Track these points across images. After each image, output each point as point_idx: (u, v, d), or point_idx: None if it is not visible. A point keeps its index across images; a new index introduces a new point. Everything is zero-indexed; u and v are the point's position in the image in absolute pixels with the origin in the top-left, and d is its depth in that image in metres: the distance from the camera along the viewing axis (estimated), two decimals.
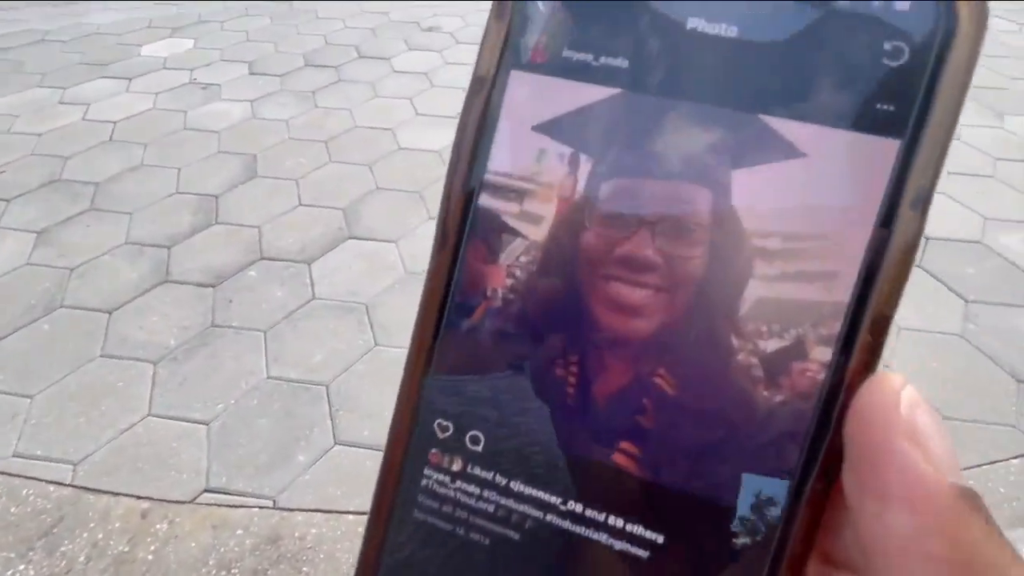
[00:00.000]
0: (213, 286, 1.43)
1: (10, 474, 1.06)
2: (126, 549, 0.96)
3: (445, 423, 0.14)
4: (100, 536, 0.98)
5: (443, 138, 1.94)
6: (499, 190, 0.14)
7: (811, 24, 0.12)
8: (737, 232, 0.12)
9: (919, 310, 1.33)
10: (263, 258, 1.51)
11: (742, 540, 0.12)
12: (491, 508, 0.13)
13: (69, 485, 1.05)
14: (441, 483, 0.14)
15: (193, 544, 0.97)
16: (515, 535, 0.13)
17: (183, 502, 1.03)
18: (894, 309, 0.12)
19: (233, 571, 0.93)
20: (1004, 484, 1.04)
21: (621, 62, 0.13)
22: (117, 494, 1.03)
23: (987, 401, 1.16)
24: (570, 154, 0.13)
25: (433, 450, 0.14)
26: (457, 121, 0.14)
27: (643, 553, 0.13)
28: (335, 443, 1.11)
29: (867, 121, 0.12)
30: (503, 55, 0.14)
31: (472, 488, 0.14)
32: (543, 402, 0.13)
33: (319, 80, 2.31)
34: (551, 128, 0.13)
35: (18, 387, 1.20)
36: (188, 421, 1.15)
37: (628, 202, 0.13)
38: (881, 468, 0.10)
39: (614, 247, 0.13)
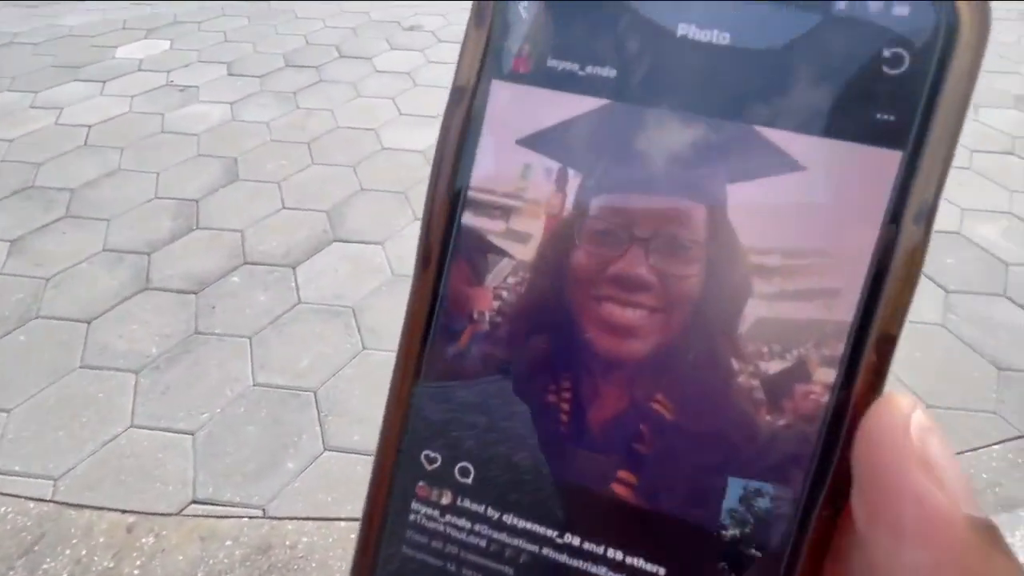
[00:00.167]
0: (195, 292, 1.40)
1: None
2: (111, 565, 0.93)
3: (432, 454, 0.13)
4: (83, 552, 0.95)
5: (427, 138, 1.93)
6: (483, 208, 0.13)
7: (807, 31, 0.11)
8: (734, 249, 0.12)
9: None
10: (246, 263, 1.48)
11: (747, 570, 0.12)
12: (483, 543, 0.13)
13: (50, 501, 1.02)
14: (431, 517, 0.13)
15: (181, 557, 0.95)
16: (510, 571, 0.13)
17: (169, 514, 1.01)
18: (900, 327, 0.11)
19: None
20: (987, 470, 1.07)
21: (609, 71, 0.12)
22: (100, 508, 1.01)
23: (969, 389, 1.19)
24: (557, 169, 0.13)
25: (421, 483, 0.13)
26: (439, 125, 0.13)
27: None
28: (324, 449, 1.10)
29: (867, 132, 0.11)
30: (484, 64, 0.13)
31: (463, 522, 0.13)
32: (534, 433, 0.13)
33: (300, 81, 2.28)
34: (537, 141, 0.13)
35: None
36: (173, 431, 1.13)
37: (619, 219, 0.12)
38: (894, 498, 0.10)
39: (606, 266, 0.12)
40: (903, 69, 0.11)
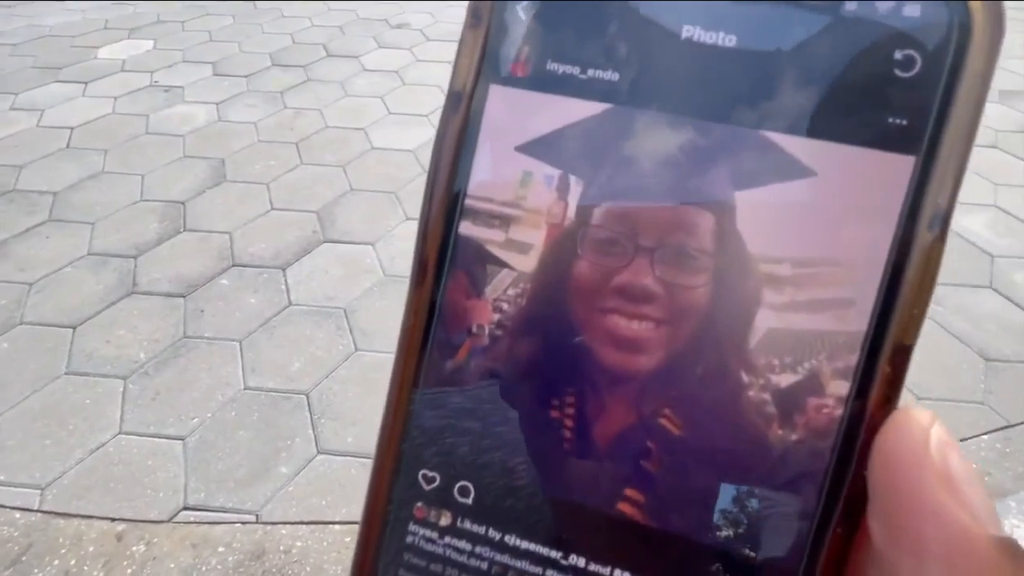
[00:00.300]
0: (183, 296, 1.38)
1: None
2: (101, 574, 0.92)
3: (431, 474, 0.13)
4: (72, 562, 0.93)
5: (417, 137, 1.91)
6: (481, 217, 0.13)
7: (815, 33, 0.11)
8: (743, 258, 0.11)
9: None
10: (235, 265, 1.47)
11: None
12: (484, 565, 0.12)
13: (37, 511, 1.00)
14: (429, 539, 0.13)
15: (172, 565, 0.93)
16: None
17: (160, 521, 0.99)
18: (915, 337, 0.11)
19: None
20: (976, 460, 1.08)
21: (611, 75, 0.12)
22: (89, 517, 0.99)
23: (957, 380, 1.20)
24: (558, 176, 0.12)
25: (419, 504, 0.13)
26: (435, 131, 0.13)
27: None
28: (318, 452, 1.09)
29: (879, 136, 0.11)
30: (481, 68, 0.12)
31: (463, 544, 0.12)
32: (538, 451, 0.12)
33: (287, 80, 2.26)
34: (537, 148, 0.12)
35: None
36: (162, 437, 1.11)
37: (624, 228, 0.12)
38: (915, 518, 0.10)
39: (610, 277, 0.12)
40: (915, 71, 0.11)
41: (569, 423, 0.12)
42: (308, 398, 1.17)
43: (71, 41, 2.54)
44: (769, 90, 0.11)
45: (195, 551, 0.95)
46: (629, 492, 0.12)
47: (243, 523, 0.99)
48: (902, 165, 0.11)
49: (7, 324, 1.32)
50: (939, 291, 1.38)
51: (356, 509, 1.01)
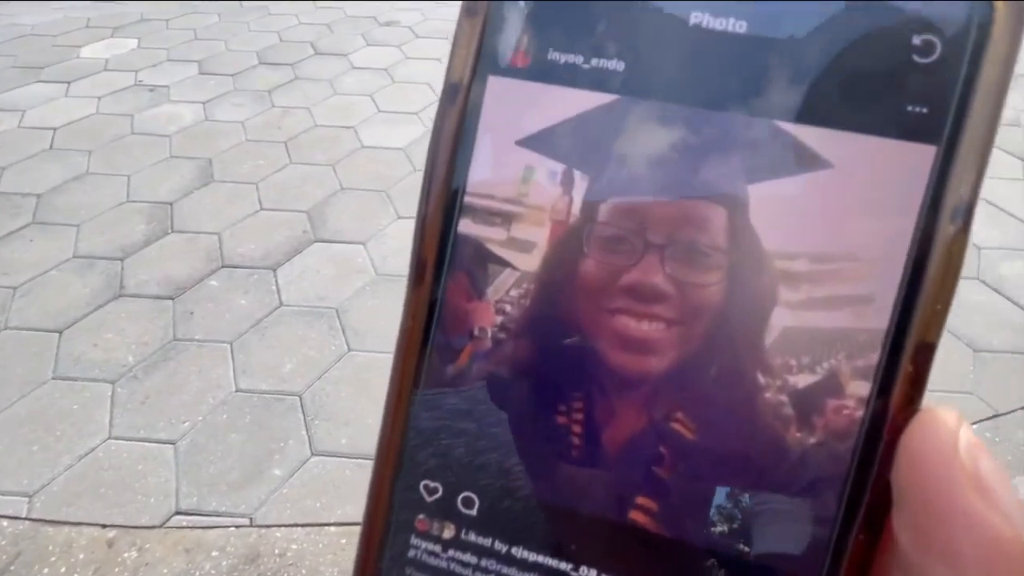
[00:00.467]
0: (172, 298, 1.37)
1: None
2: None
3: (432, 484, 0.12)
4: (63, 570, 0.92)
5: (407, 135, 1.90)
6: (482, 214, 0.12)
7: (829, 17, 0.10)
8: (758, 254, 0.11)
9: None
10: (224, 266, 1.45)
11: None
12: None
13: (25, 519, 0.99)
14: (432, 552, 0.12)
15: (165, 570, 0.92)
16: None
17: (152, 527, 0.98)
18: (938, 335, 0.11)
19: None
20: None
21: (616, 64, 0.11)
22: (79, 524, 0.98)
23: (947, 371, 1.22)
24: (562, 171, 0.12)
25: (421, 516, 0.12)
26: (432, 126, 0.12)
27: None
28: (312, 454, 1.08)
29: (898, 125, 0.10)
30: (479, 58, 0.12)
31: (468, 557, 0.12)
32: (544, 458, 0.12)
33: (274, 79, 2.23)
34: (539, 141, 0.12)
35: None
36: (153, 441, 1.10)
37: (632, 224, 0.11)
38: (946, 523, 0.09)
39: (618, 276, 0.12)
40: (935, 57, 0.10)
41: (577, 429, 0.12)
42: (301, 399, 1.16)
43: (52, 40, 2.50)
44: (782, 78, 0.11)
45: (188, 556, 0.94)
46: (641, 500, 0.11)
47: (237, 527, 0.98)
48: (922, 155, 0.10)
49: None
50: None
51: (351, 510, 1.00)
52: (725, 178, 0.11)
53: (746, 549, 0.11)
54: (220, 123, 1.98)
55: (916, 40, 0.10)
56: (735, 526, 0.11)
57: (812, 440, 0.11)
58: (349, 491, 1.02)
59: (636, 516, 0.11)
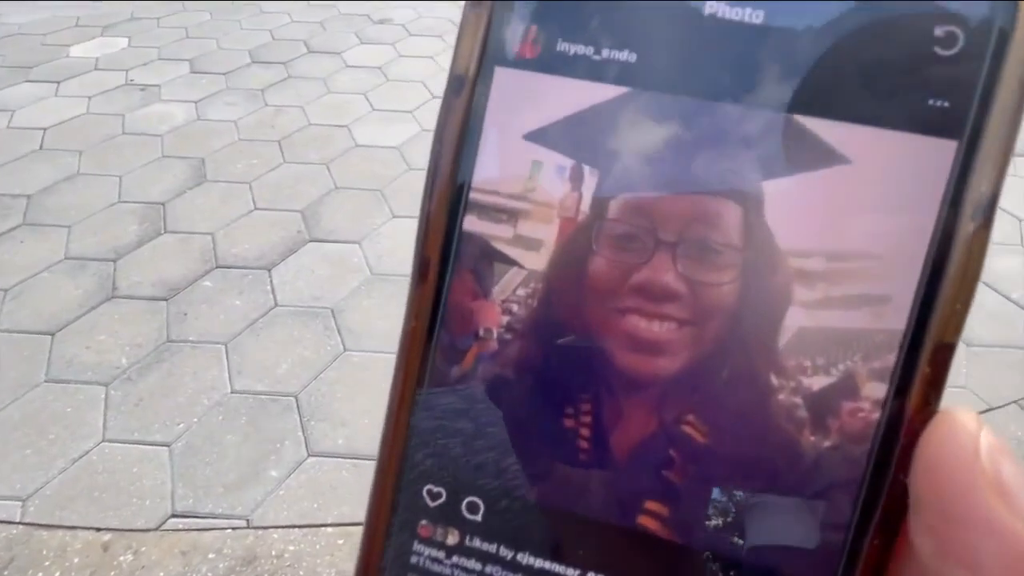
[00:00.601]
0: (165, 299, 1.36)
1: None
2: None
3: (436, 489, 0.12)
4: (57, 574, 0.91)
5: (401, 133, 1.89)
6: (487, 211, 0.12)
7: (848, 8, 0.10)
8: (772, 252, 0.11)
9: None
10: (218, 266, 1.44)
11: None
12: None
13: (18, 523, 0.98)
14: (436, 559, 0.12)
15: (162, 573, 0.92)
16: None
17: (148, 530, 0.97)
18: (957, 335, 0.10)
19: None
20: None
21: (627, 55, 0.11)
22: (74, 528, 0.97)
23: None
24: (571, 166, 0.11)
25: (423, 522, 0.12)
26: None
27: None
28: (308, 455, 1.07)
29: (919, 120, 0.10)
30: (485, 49, 0.11)
31: (472, 563, 0.12)
32: (552, 461, 0.11)
33: (267, 77, 2.22)
34: (547, 136, 0.11)
35: None
36: (148, 444, 1.09)
37: (643, 221, 0.11)
38: (968, 530, 0.09)
39: (629, 275, 0.11)
40: (957, 49, 0.10)
41: (585, 432, 0.11)
42: (297, 400, 1.16)
43: (41, 39, 2.47)
44: (799, 71, 0.10)
45: (185, 559, 0.94)
46: (650, 505, 0.11)
47: (233, 528, 0.98)
48: (943, 150, 0.10)
49: None
50: None
51: (348, 511, 1.00)
52: (739, 174, 0.11)
53: (758, 554, 0.11)
54: (212, 122, 1.96)
55: (938, 31, 0.10)
56: (746, 531, 0.11)
57: (827, 443, 0.11)
58: (346, 492, 1.02)
59: (645, 521, 0.11)
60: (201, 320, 1.31)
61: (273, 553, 0.94)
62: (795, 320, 0.11)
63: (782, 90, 0.11)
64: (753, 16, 0.11)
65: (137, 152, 1.83)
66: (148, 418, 1.13)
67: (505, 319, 0.12)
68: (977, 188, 0.10)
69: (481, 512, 0.12)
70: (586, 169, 0.11)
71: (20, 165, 1.78)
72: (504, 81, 0.11)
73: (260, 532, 0.97)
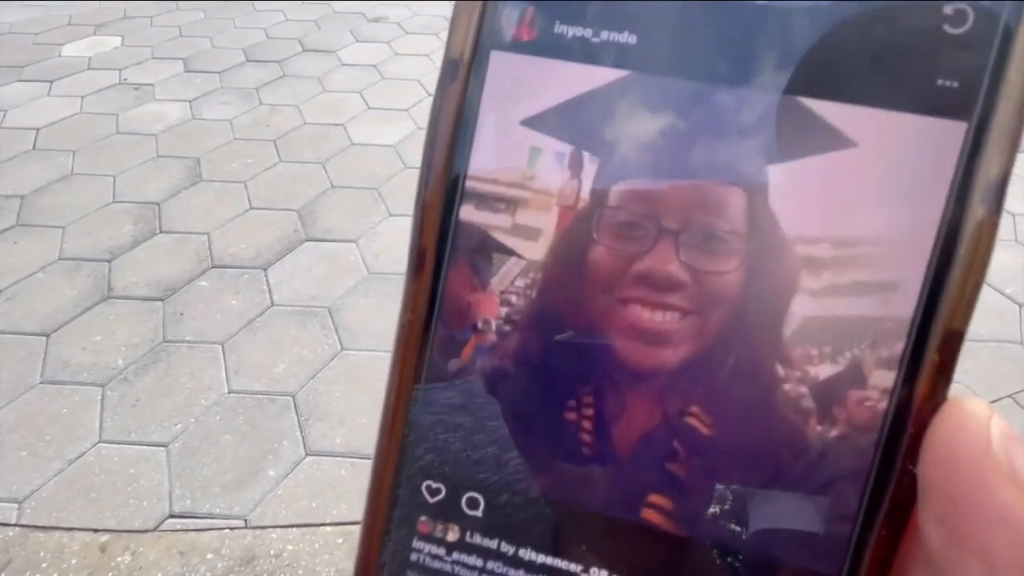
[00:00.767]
0: (161, 299, 1.35)
1: None
2: None
3: (435, 485, 0.12)
4: None
5: (397, 132, 1.89)
6: (485, 200, 0.11)
7: None
8: (778, 239, 0.10)
9: None
10: (214, 266, 1.43)
11: None
12: None
13: (15, 525, 0.97)
14: (436, 556, 0.12)
15: (160, 574, 0.91)
16: None
17: (146, 530, 0.97)
18: (967, 323, 0.10)
19: None
20: None
21: (627, 37, 0.11)
22: (71, 529, 0.97)
23: None
24: (570, 152, 0.11)
25: (423, 518, 0.12)
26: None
27: None
28: (306, 454, 1.07)
29: (927, 101, 0.10)
30: (480, 33, 0.11)
31: (473, 559, 0.11)
32: (553, 455, 0.11)
33: (262, 76, 2.21)
34: (545, 122, 0.11)
35: None
36: (145, 444, 1.08)
37: (645, 208, 0.11)
38: (981, 521, 0.09)
39: (630, 264, 0.11)
40: (967, 27, 0.10)
41: (587, 425, 0.11)
42: (294, 399, 1.16)
43: (33, 38, 2.45)
44: (803, 51, 0.10)
45: (183, 559, 0.93)
46: (654, 498, 0.11)
47: (232, 528, 0.97)
48: (952, 132, 0.10)
49: None
50: None
51: (347, 510, 0.99)
52: (742, 159, 0.10)
53: (765, 546, 0.11)
54: (207, 121, 1.95)
55: (947, 9, 0.10)
56: (752, 523, 0.11)
57: (834, 433, 0.10)
58: (344, 491, 1.02)
59: (649, 515, 0.11)
60: (197, 320, 1.30)
61: (272, 553, 0.94)
62: (801, 308, 0.10)
63: (786, 72, 0.10)
64: None
65: (131, 152, 1.82)
66: (145, 419, 1.12)
67: (504, 310, 0.11)
68: (987, 171, 0.10)
69: (482, 507, 0.12)
70: (586, 156, 0.11)
71: (13, 165, 1.76)
72: (500, 65, 0.11)
73: (258, 532, 0.97)
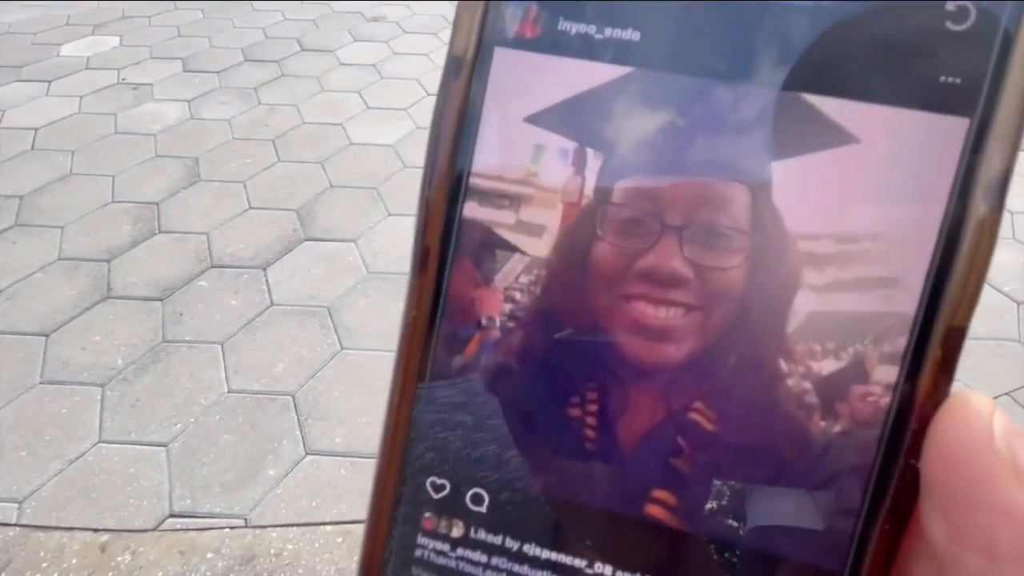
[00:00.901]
0: (161, 299, 1.35)
1: None
2: None
3: (439, 481, 0.12)
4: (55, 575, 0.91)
5: (396, 131, 1.89)
6: (488, 197, 0.11)
7: None
8: (781, 235, 0.10)
9: None
10: (213, 266, 1.43)
11: None
12: None
13: (15, 525, 0.97)
14: (440, 552, 0.12)
15: (160, 573, 0.91)
16: None
17: (146, 530, 0.97)
18: (969, 318, 0.10)
19: None
20: None
21: (631, 34, 0.11)
22: (71, 529, 0.97)
23: None
24: (574, 149, 0.11)
25: (427, 515, 0.12)
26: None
27: None
28: (306, 453, 1.07)
29: (930, 97, 0.10)
30: (484, 29, 0.11)
31: (478, 556, 0.11)
32: (557, 452, 0.11)
33: (260, 76, 2.20)
34: (549, 118, 0.11)
35: None
36: (145, 444, 1.08)
37: (648, 205, 0.11)
38: (984, 516, 0.09)
39: (634, 260, 0.11)
40: (969, 24, 0.10)
41: (591, 421, 0.11)
42: (294, 399, 1.16)
43: (32, 38, 2.45)
44: (806, 48, 0.10)
45: (183, 558, 0.93)
46: (659, 494, 0.11)
47: (232, 528, 0.97)
48: (955, 129, 0.10)
49: None
50: None
51: (347, 509, 1.00)
52: (746, 155, 0.10)
53: (768, 541, 0.11)
54: (206, 121, 1.95)
55: (950, 6, 0.10)
56: (755, 518, 0.11)
57: (837, 428, 0.10)
58: (344, 490, 1.02)
59: (653, 510, 0.11)
60: (197, 320, 1.30)
61: (272, 552, 0.94)
62: (804, 304, 0.10)
63: (789, 68, 0.10)
64: None
65: (130, 152, 1.82)
66: (145, 418, 1.12)
67: (508, 307, 0.11)
68: (989, 168, 0.10)
69: (486, 503, 0.12)
70: (589, 152, 0.11)
71: (12, 165, 1.76)
72: (504, 62, 0.11)
73: (258, 531, 0.97)
